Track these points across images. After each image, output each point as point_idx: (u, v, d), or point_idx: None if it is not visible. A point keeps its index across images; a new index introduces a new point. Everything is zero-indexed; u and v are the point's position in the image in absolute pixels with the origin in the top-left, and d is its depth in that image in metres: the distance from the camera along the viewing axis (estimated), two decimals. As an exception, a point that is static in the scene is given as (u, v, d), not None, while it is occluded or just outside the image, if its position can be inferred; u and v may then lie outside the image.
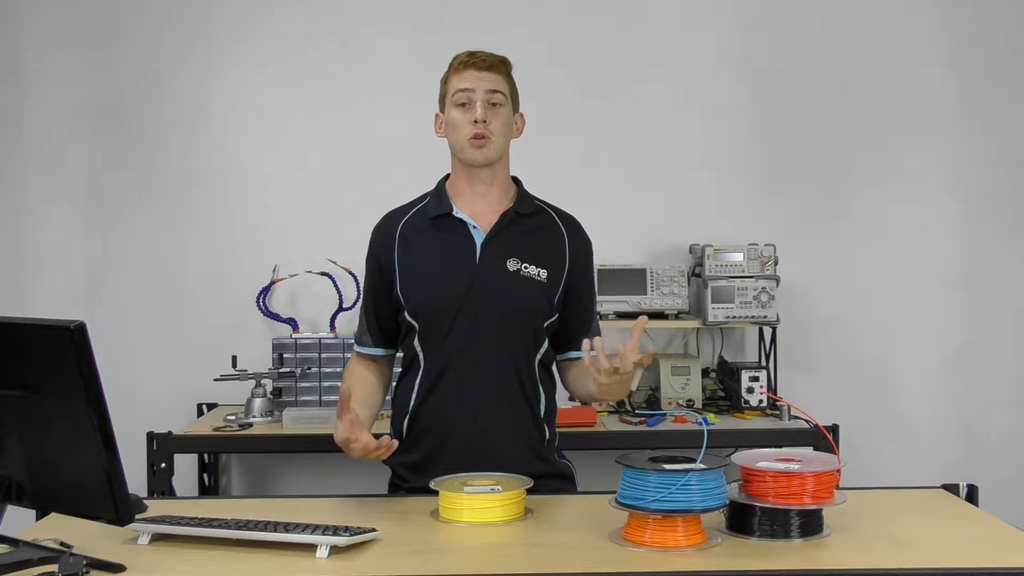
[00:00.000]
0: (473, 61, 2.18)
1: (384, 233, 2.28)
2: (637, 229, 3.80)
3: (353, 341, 2.37)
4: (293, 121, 3.79)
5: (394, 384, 2.34)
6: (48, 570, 1.56)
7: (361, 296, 2.37)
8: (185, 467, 3.50)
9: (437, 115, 2.26)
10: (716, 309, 3.55)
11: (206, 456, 3.66)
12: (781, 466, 1.77)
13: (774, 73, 3.83)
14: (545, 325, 2.24)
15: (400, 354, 2.31)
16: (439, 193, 2.28)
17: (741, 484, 1.79)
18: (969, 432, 3.84)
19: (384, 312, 2.28)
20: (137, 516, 1.69)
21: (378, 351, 2.32)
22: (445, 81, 2.23)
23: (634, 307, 3.58)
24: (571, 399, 3.40)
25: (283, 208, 3.78)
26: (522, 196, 2.29)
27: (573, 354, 2.30)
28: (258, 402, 3.36)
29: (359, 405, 2.14)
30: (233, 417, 3.37)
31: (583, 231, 2.33)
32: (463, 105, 2.18)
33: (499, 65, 2.20)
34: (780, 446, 2.65)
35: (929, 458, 3.76)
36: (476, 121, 2.15)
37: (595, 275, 2.40)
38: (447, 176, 2.30)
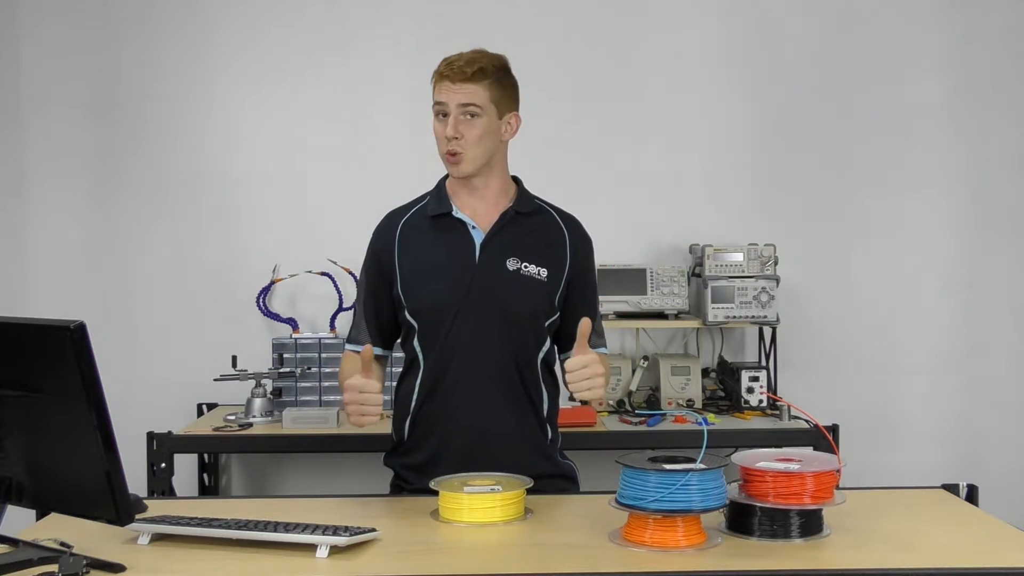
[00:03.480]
0: (448, 73, 2.14)
1: (385, 233, 2.28)
2: (637, 229, 3.79)
3: (345, 340, 2.35)
4: (293, 121, 3.79)
5: (394, 385, 2.33)
6: (48, 570, 1.56)
7: (357, 296, 2.35)
8: (185, 467, 3.50)
9: None
10: (716, 309, 3.55)
11: (206, 456, 3.66)
12: (781, 466, 1.77)
13: (774, 73, 3.83)
14: (546, 324, 2.23)
15: (400, 354, 2.30)
16: (439, 192, 2.28)
17: (741, 484, 1.79)
18: (969, 432, 3.84)
19: (383, 311, 2.27)
20: (137, 516, 1.69)
21: (376, 350, 2.30)
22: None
23: (634, 307, 3.58)
24: (571, 399, 3.41)
25: (283, 208, 3.78)
26: (521, 195, 2.29)
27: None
28: (258, 402, 3.36)
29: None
30: (233, 417, 3.37)
31: (583, 230, 2.33)
32: (440, 116, 2.17)
33: (475, 75, 2.13)
34: (780, 446, 2.65)
35: (929, 458, 3.76)
36: (448, 137, 2.14)
37: (596, 274, 2.39)
38: (447, 175, 2.30)
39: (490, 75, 2.15)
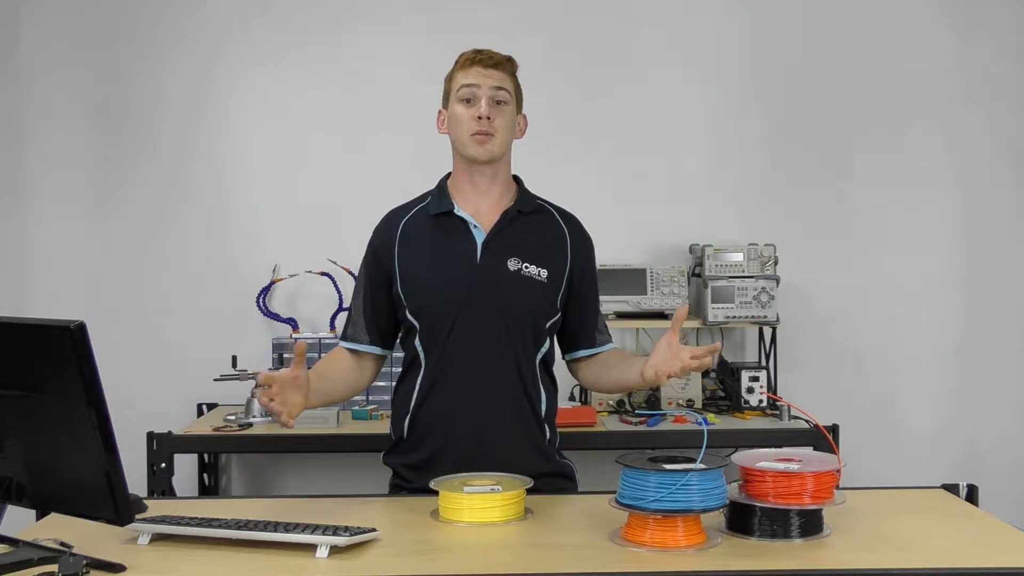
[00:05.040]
0: (479, 58, 2.19)
1: (385, 232, 2.28)
2: (637, 229, 3.80)
3: (339, 337, 2.33)
4: (293, 121, 3.79)
5: (394, 384, 2.33)
6: (48, 570, 1.56)
7: (354, 294, 2.34)
8: (185, 467, 3.50)
9: (440, 111, 2.26)
10: (716, 309, 3.55)
11: (206, 456, 3.66)
12: (781, 466, 1.77)
13: (775, 73, 3.83)
14: (547, 325, 2.24)
15: (400, 354, 2.30)
16: (440, 191, 2.28)
17: (741, 484, 1.79)
18: (969, 432, 3.84)
19: (382, 311, 2.27)
20: (137, 516, 1.69)
21: (374, 349, 2.29)
22: (450, 78, 2.23)
23: (634, 307, 3.58)
24: (571, 399, 3.43)
25: (283, 208, 3.78)
26: (523, 195, 2.29)
27: (582, 352, 2.32)
28: (258, 402, 3.36)
29: (316, 376, 2.14)
30: (233, 417, 3.37)
31: (584, 229, 2.33)
32: (467, 101, 2.18)
33: (505, 64, 2.21)
34: (780, 446, 2.65)
35: (929, 458, 3.77)
36: (480, 117, 2.16)
37: (597, 274, 2.39)
38: (449, 174, 2.30)
39: (513, 69, 2.25)
